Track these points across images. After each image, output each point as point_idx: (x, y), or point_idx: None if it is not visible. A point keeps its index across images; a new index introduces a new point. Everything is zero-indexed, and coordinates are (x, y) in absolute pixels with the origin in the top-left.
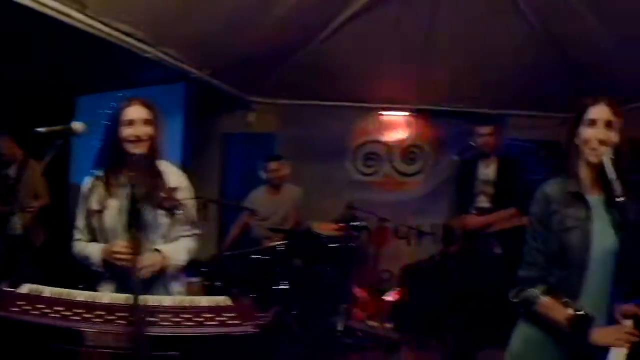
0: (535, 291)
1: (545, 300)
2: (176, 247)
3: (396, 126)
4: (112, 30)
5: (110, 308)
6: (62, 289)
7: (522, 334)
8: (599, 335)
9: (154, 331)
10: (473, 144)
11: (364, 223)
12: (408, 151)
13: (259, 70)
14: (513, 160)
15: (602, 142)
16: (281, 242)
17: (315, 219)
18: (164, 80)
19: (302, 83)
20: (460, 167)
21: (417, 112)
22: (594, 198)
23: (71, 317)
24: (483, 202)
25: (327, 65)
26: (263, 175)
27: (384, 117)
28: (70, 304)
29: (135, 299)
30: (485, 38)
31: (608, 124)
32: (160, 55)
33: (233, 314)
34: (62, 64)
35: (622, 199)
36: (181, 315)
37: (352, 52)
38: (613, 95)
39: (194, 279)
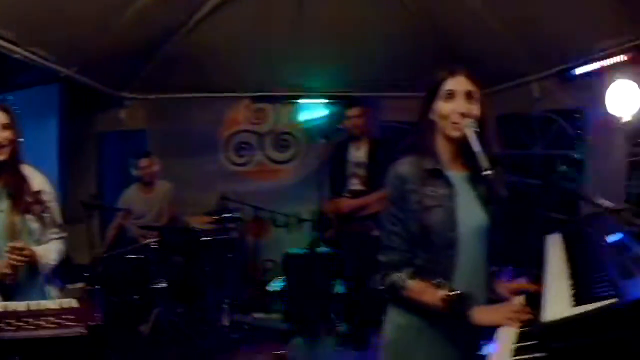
0: (400, 275)
1: (414, 283)
2: (47, 247)
3: (267, 114)
4: None
5: None
6: None
7: (392, 320)
8: (482, 314)
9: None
10: (341, 127)
11: (236, 214)
12: (280, 138)
13: (129, 65)
14: (384, 142)
15: (464, 115)
16: (155, 239)
17: (190, 213)
18: (40, 81)
19: (171, 76)
20: (333, 151)
21: (287, 99)
22: (456, 174)
23: None
24: (355, 184)
25: (195, 57)
26: (134, 172)
27: (254, 106)
28: None
29: None
30: (358, 22)
31: (468, 95)
32: (29, 55)
33: (72, 316)
34: None
35: (488, 172)
36: (24, 319)
37: (219, 42)
38: (490, 76)
39: (77, 284)
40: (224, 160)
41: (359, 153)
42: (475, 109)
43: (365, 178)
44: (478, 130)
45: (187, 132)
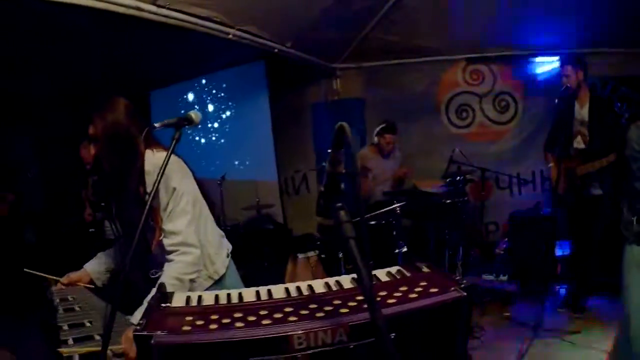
0: None
1: None
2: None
3: (483, 75)
4: (188, 16)
5: None
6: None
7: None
8: None
9: None
10: (565, 85)
11: (469, 176)
12: (499, 99)
13: (340, 35)
14: (605, 100)
15: None
16: (400, 204)
17: (421, 177)
18: (244, 60)
19: (383, 43)
20: (558, 109)
21: (502, 59)
22: None
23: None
24: (579, 143)
25: (406, 22)
26: (374, 140)
27: (470, 67)
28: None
29: None
30: None
31: None
32: (240, 34)
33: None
34: (133, 60)
35: None
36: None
37: (429, 5)
38: None
39: (309, 253)
40: (446, 123)
41: (583, 111)
42: None
43: (587, 137)
44: None
45: (403, 98)
